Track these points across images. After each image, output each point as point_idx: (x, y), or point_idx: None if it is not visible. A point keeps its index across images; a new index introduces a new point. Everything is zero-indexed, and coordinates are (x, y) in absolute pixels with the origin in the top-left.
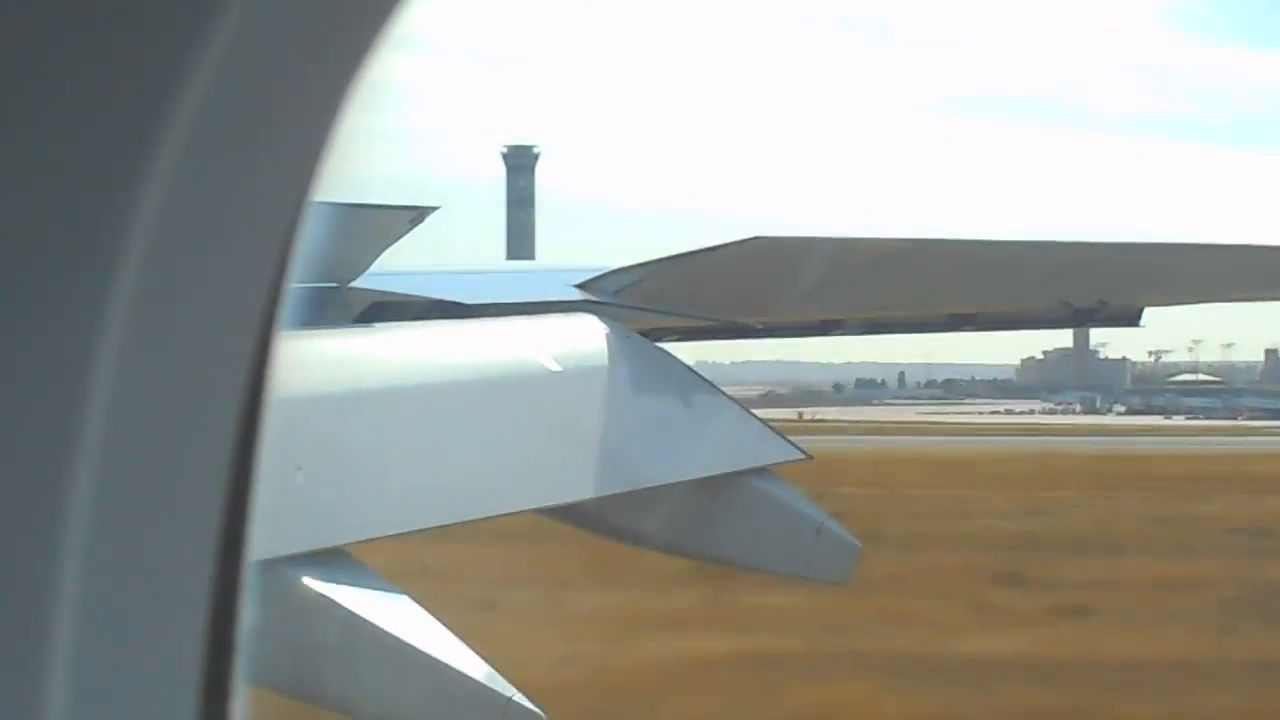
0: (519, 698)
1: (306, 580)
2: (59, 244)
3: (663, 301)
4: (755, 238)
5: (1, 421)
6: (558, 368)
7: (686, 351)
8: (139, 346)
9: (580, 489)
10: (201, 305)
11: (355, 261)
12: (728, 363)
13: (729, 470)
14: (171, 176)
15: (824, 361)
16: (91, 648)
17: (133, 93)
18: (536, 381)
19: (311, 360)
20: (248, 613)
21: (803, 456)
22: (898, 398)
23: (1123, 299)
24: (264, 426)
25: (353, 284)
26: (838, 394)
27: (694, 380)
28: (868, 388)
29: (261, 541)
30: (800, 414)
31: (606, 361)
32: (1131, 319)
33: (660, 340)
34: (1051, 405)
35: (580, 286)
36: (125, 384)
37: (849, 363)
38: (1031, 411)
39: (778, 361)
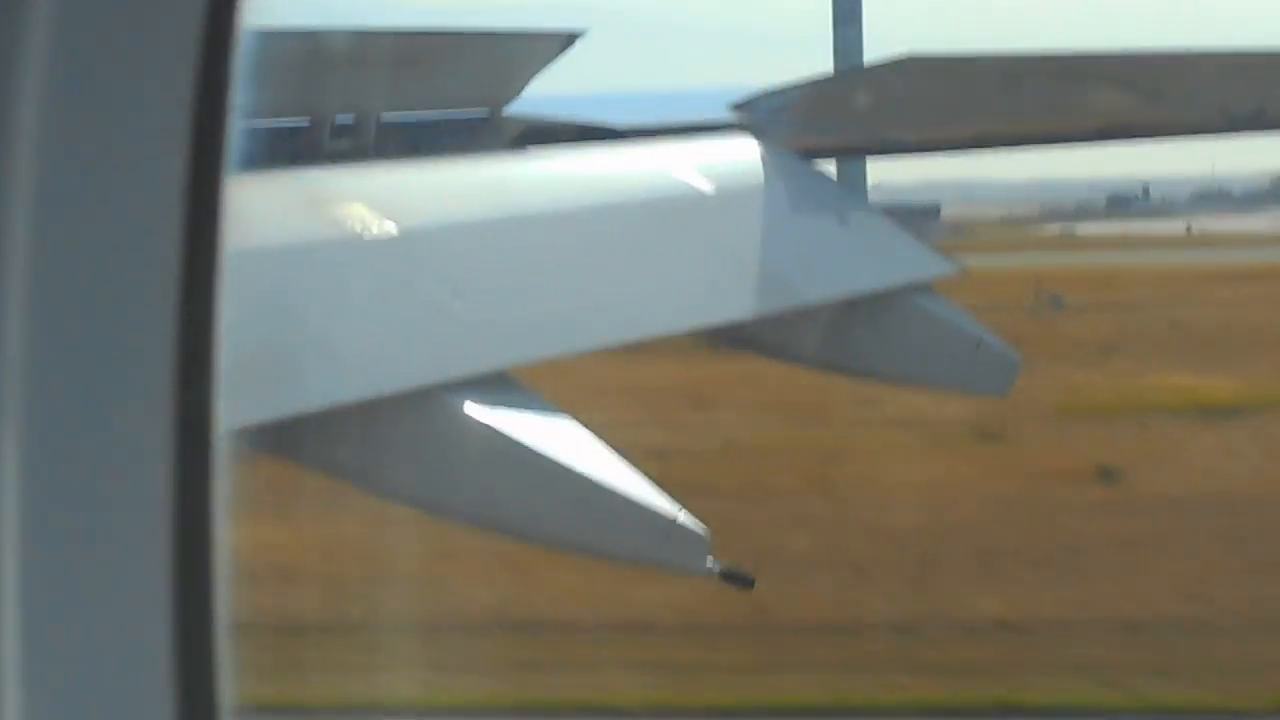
0: (684, 517)
1: (469, 405)
2: None
3: (818, 121)
4: (909, 56)
5: None
6: (712, 188)
7: (882, 170)
8: (49, 191)
9: (738, 309)
10: (118, 144)
11: (507, 88)
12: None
13: (886, 286)
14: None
15: (1020, 180)
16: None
17: None
18: (692, 203)
19: (465, 187)
20: (220, 487)
21: (957, 270)
22: (1160, 212)
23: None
24: (218, 278)
25: (504, 110)
26: (1109, 207)
27: (848, 198)
28: (1120, 203)
29: (422, 367)
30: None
31: (761, 181)
32: None
33: (816, 159)
34: None
35: (735, 107)
36: (40, 222)
37: (1048, 178)
38: None
39: (966, 181)
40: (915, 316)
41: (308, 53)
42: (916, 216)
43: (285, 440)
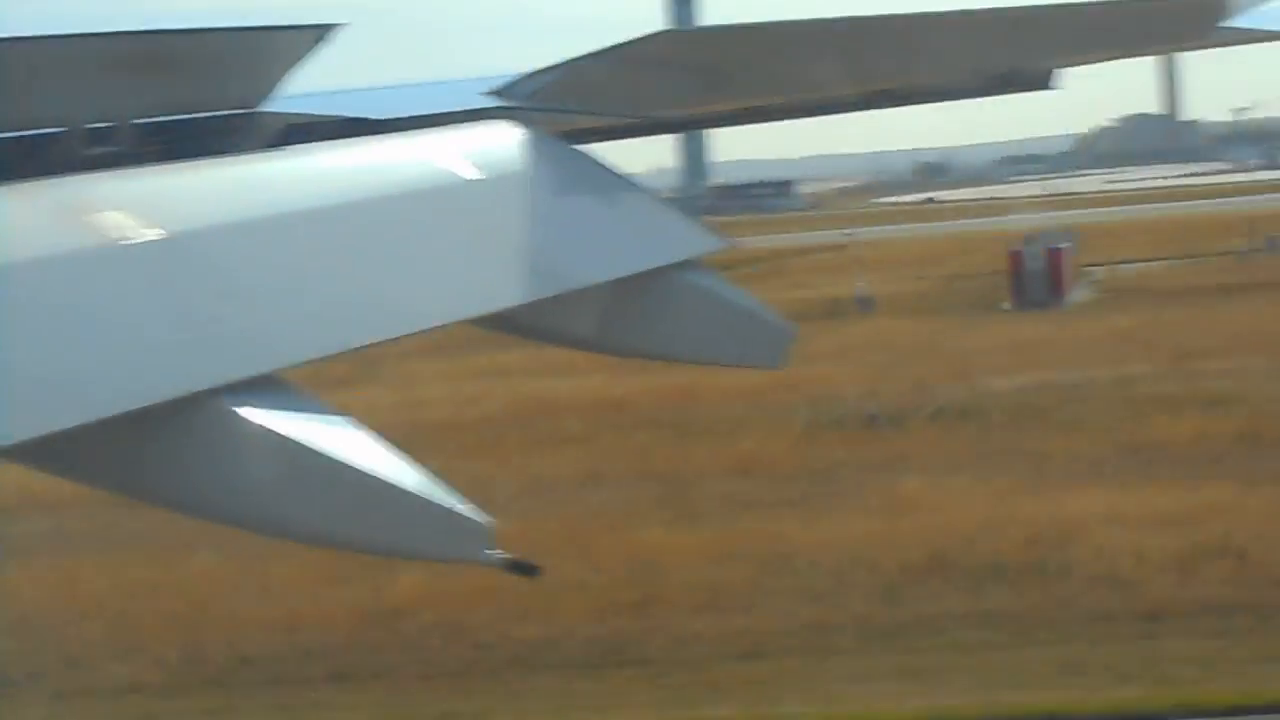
0: (462, 508)
1: (242, 408)
2: None
3: (576, 101)
4: (663, 31)
5: None
6: (477, 175)
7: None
8: None
9: (511, 295)
10: None
11: (264, 85)
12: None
13: (657, 264)
14: None
15: (839, 153)
16: None
17: None
18: (457, 191)
19: (225, 188)
20: None
21: (728, 244)
22: (973, 179)
23: (1034, 62)
24: None
25: (262, 108)
26: (929, 178)
27: (614, 178)
28: (928, 173)
29: (190, 373)
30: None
31: (525, 166)
32: (1043, 82)
33: (580, 142)
34: (1224, 167)
35: (493, 93)
36: None
37: (865, 152)
38: (1218, 173)
39: (795, 158)
40: (688, 293)
41: (54, 59)
42: (770, 192)
43: (59, 455)
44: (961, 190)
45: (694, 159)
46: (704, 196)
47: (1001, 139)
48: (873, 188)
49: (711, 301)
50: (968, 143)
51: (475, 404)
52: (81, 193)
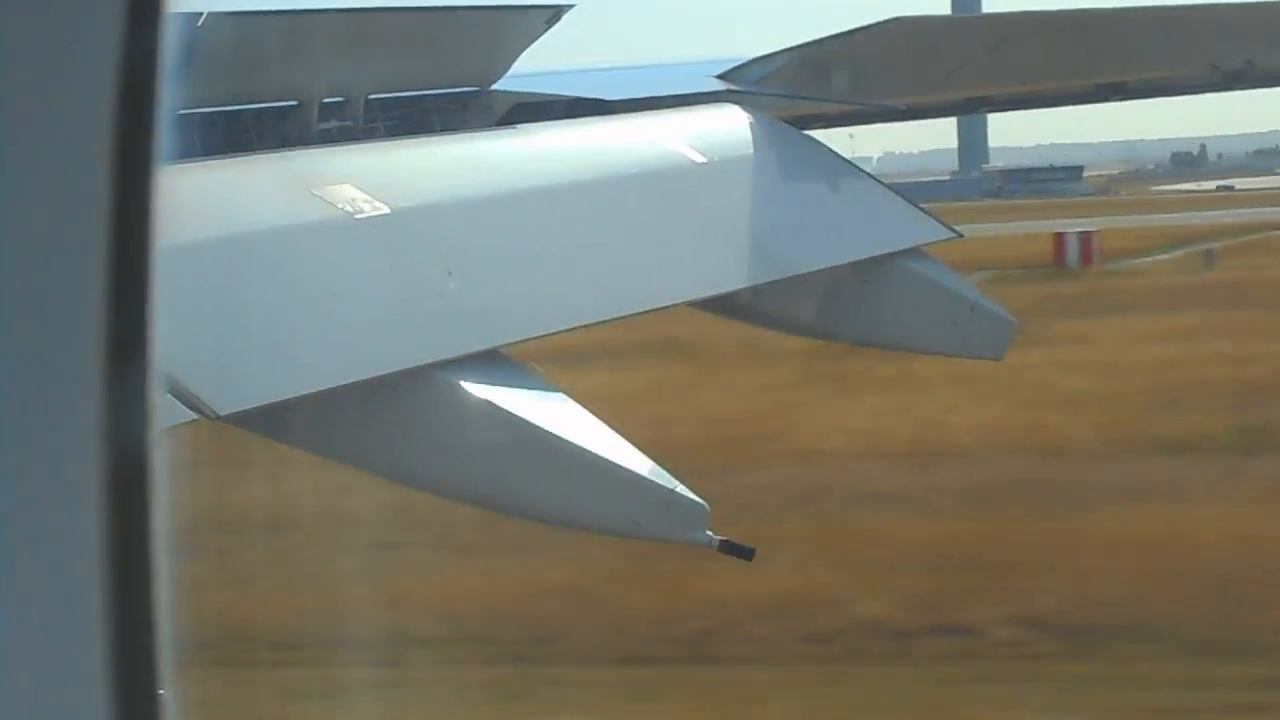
0: (681, 489)
1: (465, 383)
2: None
3: (805, 87)
4: (895, 19)
5: None
6: (703, 159)
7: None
8: None
9: (733, 279)
10: (42, 135)
11: (495, 64)
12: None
13: (880, 252)
14: None
15: (1091, 141)
16: None
17: None
18: (683, 174)
19: (455, 165)
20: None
21: (954, 235)
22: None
23: (1272, 58)
24: (150, 273)
25: (493, 87)
26: (1186, 168)
27: (840, 164)
28: (1184, 163)
29: (415, 346)
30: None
31: (751, 150)
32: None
33: (806, 127)
34: None
35: (721, 77)
36: None
37: (1114, 140)
38: None
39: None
40: (910, 282)
41: (294, 34)
42: (1060, 177)
43: (284, 423)
44: (1228, 180)
45: (972, 143)
46: (989, 180)
47: (1253, 130)
48: (1138, 175)
49: (934, 290)
50: (1218, 133)
51: None
52: (314, 166)
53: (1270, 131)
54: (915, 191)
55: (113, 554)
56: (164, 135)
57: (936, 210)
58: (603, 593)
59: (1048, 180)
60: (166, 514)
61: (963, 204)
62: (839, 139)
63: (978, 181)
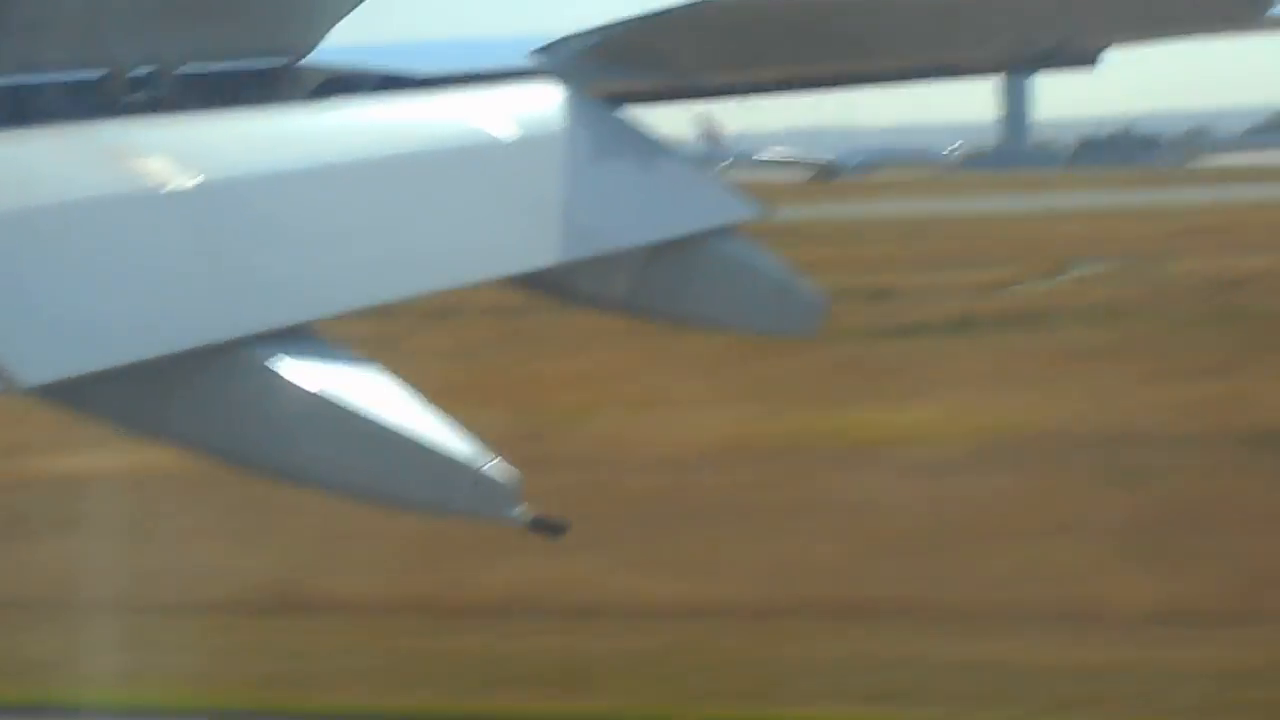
0: (493, 465)
1: (272, 358)
2: None
3: (620, 65)
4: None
5: None
6: (515, 135)
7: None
8: None
9: (545, 256)
10: None
11: (306, 38)
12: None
13: (693, 230)
14: None
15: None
16: None
17: None
18: (494, 150)
19: (264, 139)
20: None
21: (758, 214)
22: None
23: (1080, 40)
24: None
25: (303, 61)
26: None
27: (654, 144)
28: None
29: (224, 321)
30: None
31: (564, 127)
32: (1088, 60)
33: (619, 105)
34: None
35: (536, 54)
36: None
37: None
38: None
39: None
40: (722, 260)
41: (100, 3)
42: (1138, 147)
43: (93, 396)
44: (1230, 157)
45: (1016, 114)
46: (1051, 151)
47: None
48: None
49: (745, 270)
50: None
51: None
52: (122, 137)
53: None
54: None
55: None
56: None
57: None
58: None
59: (1130, 150)
60: None
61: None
62: (838, 105)
63: (1033, 153)
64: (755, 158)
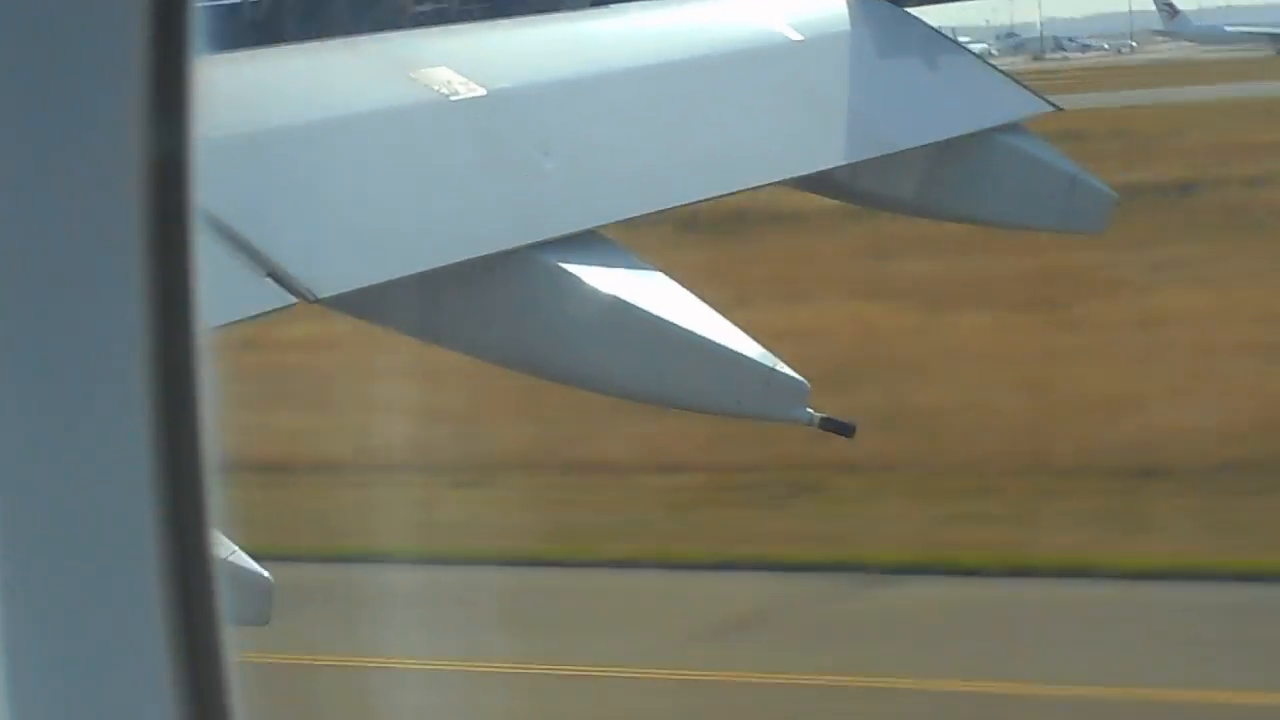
0: (781, 367)
1: (563, 264)
2: None
3: None
4: None
5: None
6: (799, 37)
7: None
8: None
9: (831, 157)
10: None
11: None
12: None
13: (978, 128)
14: None
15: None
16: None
17: None
18: (780, 52)
19: (552, 46)
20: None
21: (1052, 109)
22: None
23: None
24: (191, 235)
25: None
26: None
27: (938, 40)
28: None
29: (513, 228)
30: None
31: (848, 28)
32: None
33: (903, 3)
34: None
35: None
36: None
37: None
38: None
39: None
40: (1009, 157)
41: None
42: None
43: (384, 304)
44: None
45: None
46: None
47: None
48: None
49: (1033, 166)
50: None
51: None
52: (410, 49)
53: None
54: None
55: (174, 556)
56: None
57: None
58: None
59: None
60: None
61: None
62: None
63: None
64: (1226, 28)
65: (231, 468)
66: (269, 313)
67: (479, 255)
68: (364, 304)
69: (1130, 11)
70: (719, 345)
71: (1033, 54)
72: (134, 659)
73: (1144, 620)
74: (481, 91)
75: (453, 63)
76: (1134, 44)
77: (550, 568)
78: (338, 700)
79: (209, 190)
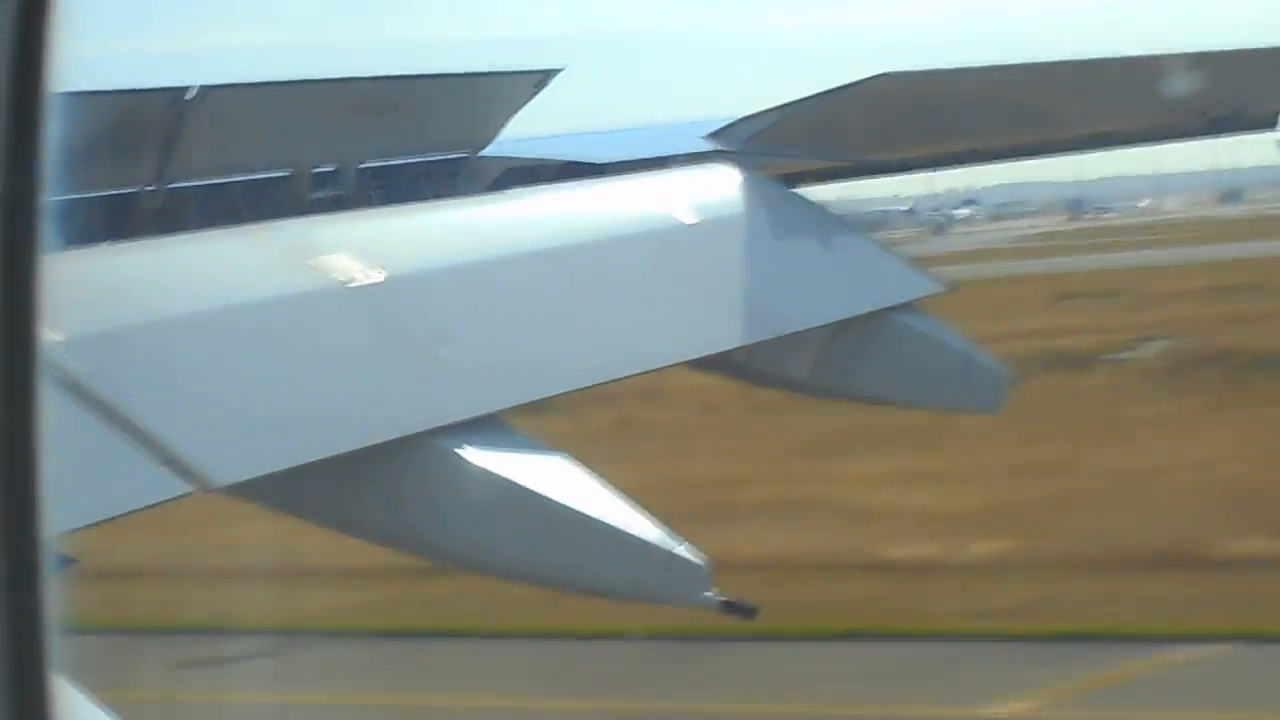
0: (682, 550)
1: (460, 448)
2: None
3: (794, 145)
4: (883, 74)
5: None
6: (695, 219)
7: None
8: None
9: (728, 338)
10: None
11: (485, 129)
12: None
13: (872, 308)
14: None
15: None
16: None
17: None
18: (675, 234)
19: (449, 231)
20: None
21: (941, 289)
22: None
23: (1259, 105)
24: (36, 352)
25: (483, 152)
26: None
27: (831, 221)
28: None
29: (411, 414)
30: None
31: (743, 209)
32: (1269, 123)
33: (795, 184)
34: None
35: (711, 137)
36: None
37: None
38: None
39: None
40: (904, 336)
41: (283, 104)
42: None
43: (280, 491)
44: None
45: None
46: None
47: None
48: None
49: (928, 345)
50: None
51: None
52: (306, 235)
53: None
54: None
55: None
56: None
57: None
58: None
59: None
60: None
61: None
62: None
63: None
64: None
65: None
66: (166, 501)
67: (378, 441)
68: (262, 492)
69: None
70: (619, 529)
71: (1070, 214)
72: None
73: None
74: (379, 277)
75: (350, 249)
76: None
77: None
78: None
79: (106, 380)
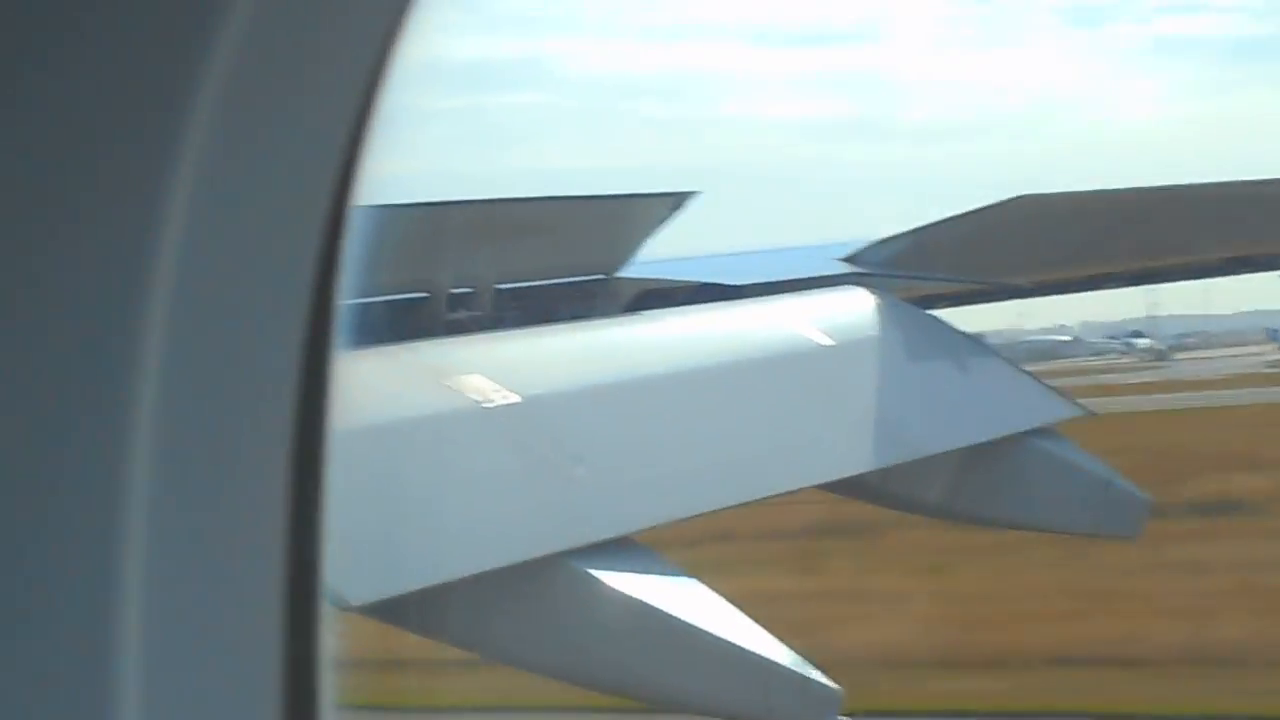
0: (814, 674)
1: (595, 571)
2: (88, 257)
3: (929, 268)
4: (1020, 196)
5: (47, 444)
6: (829, 342)
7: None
8: (177, 364)
9: (862, 461)
10: (238, 319)
11: (621, 251)
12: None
13: (1008, 432)
14: (194, 183)
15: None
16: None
17: (148, 98)
18: (810, 357)
19: (585, 352)
20: (327, 643)
21: (1083, 413)
22: None
23: None
24: (326, 447)
25: (620, 273)
26: None
27: (966, 344)
28: None
29: (547, 535)
30: None
31: (877, 332)
32: None
33: (931, 307)
34: None
35: (845, 259)
36: (168, 403)
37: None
38: None
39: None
40: (1041, 460)
41: (424, 226)
42: None
43: (415, 613)
44: None
45: None
46: None
47: None
48: None
49: (1065, 470)
50: None
51: None
52: (444, 356)
53: None
54: None
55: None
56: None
57: None
58: None
59: None
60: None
61: None
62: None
63: None
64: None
65: None
66: None
67: (513, 562)
68: (398, 612)
69: None
70: (750, 652)
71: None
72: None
73: None
74: (515, 399)
75: (486, 370)
76: None
77: None
78: None
79: None
